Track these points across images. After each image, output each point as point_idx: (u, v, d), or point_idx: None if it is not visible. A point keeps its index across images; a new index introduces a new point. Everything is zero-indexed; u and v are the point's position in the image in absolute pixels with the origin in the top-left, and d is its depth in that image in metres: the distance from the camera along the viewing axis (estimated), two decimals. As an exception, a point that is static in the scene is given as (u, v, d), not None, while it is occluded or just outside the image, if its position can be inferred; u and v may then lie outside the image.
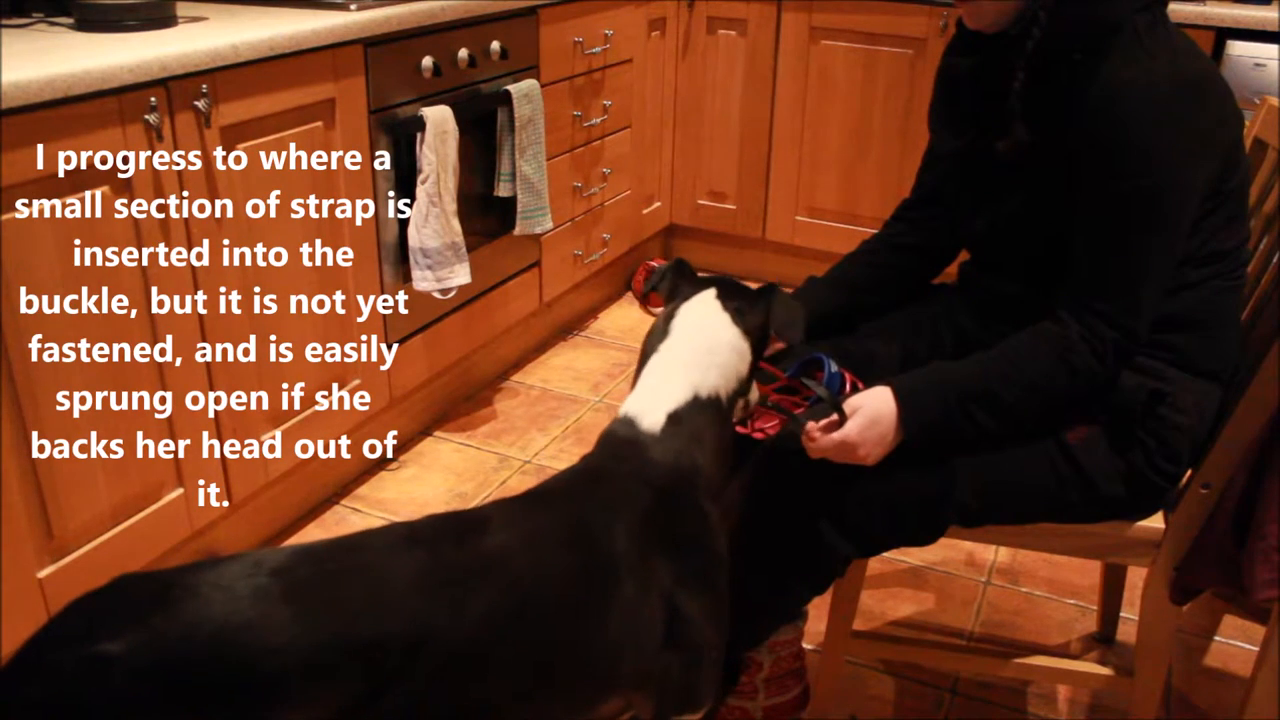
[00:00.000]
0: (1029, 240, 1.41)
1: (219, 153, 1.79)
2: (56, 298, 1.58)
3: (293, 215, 1.97)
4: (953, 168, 1.52)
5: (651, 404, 1.26)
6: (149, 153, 1.67)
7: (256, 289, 1.92)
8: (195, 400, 1.84)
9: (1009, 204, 1.41)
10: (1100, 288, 1.31)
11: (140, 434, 1.75)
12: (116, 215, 1.64)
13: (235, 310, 1.89)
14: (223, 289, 1.85)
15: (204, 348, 1.84)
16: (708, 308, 1.31)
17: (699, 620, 1.21)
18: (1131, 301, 1.30)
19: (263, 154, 1.88)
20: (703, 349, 1.28)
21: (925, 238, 1.62)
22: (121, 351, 1.69)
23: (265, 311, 1.96)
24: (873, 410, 1.32)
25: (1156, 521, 1.43)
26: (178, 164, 1.72)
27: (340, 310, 2.14)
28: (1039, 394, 1.32)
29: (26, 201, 1.51)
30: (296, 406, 2.08)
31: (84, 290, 1.61)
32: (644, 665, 1.19)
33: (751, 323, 1.31)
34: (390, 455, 2.48)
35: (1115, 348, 1.30)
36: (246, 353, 1.93)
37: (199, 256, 1.79)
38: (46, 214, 1.54)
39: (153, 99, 1.65)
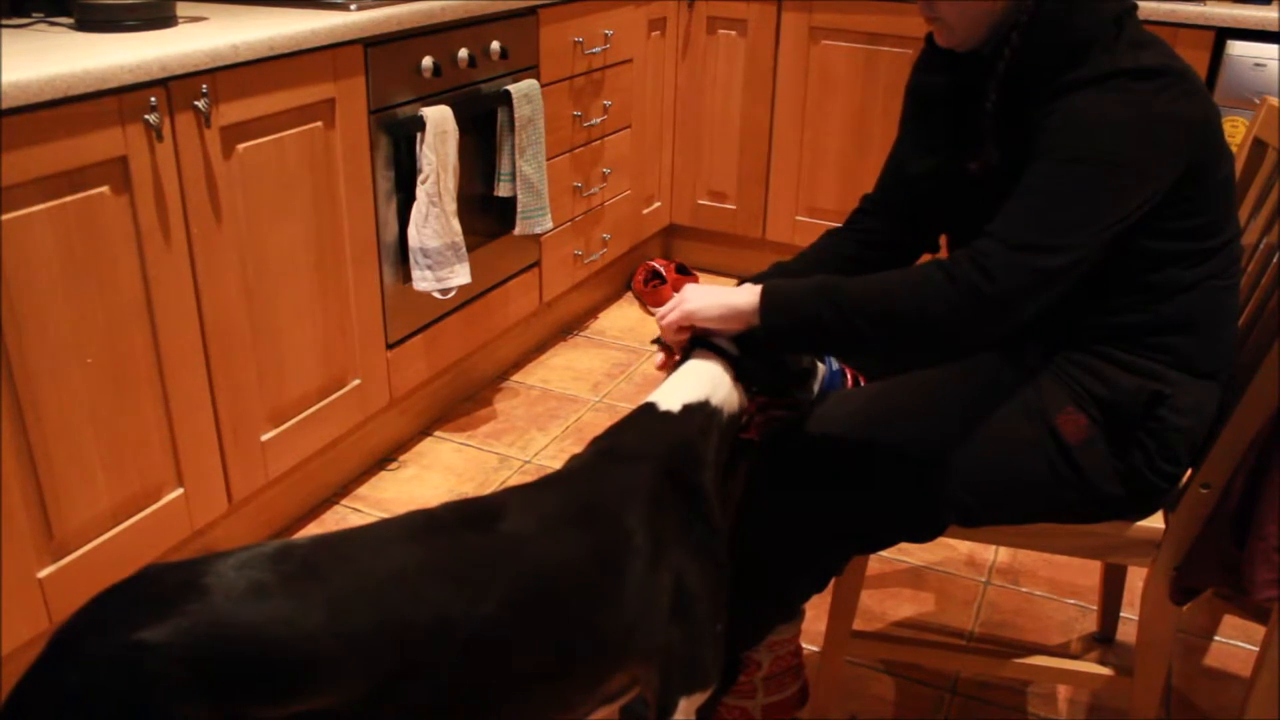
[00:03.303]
0: None
1: (219, 153, 1.79)
2: (56, 298, 1.58)
3: (292, 215, 1.97)
4: (928, 188, 1.50)
5: (670, 396, 1.36)
6: (149, 153, 1.67)
7: (256, 289, 1.93)
8: (195, 400, 1.84)
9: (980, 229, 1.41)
10: (998, 221, 1.25)
11: (140, 434, 1.76)
12: (116, 215, 1.65)
13: (235, 310, 1.89)
14: (223, 289, 1.85)
15: (204, 348, 1.84)
16: (714, 360, 1.41)
17: (702, 595, 1.25)
18: (1033, 230, 1.22)
19: (263, 154, 1.88)
20: (716, 374, 1.39)
21: (889, 235, 1.60)
22: (121, 351, 1.69)
23: (265, 311, 1.96)
24: (724, 290, 1.36)
25: (1156, 521, 1.44)
26: (178, 164, 1.72)
27: (340, 310, 2.14)
28: (911, 296, 1.24)
29: (27, 201, 1.52)
30: (296, 406, 2.09)
31: (84, 290, 1.61)
32: (653, 639, 1.21)
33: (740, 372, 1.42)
34: (390, 455, 2.48)
35: (1008, 266, 1.21)
36: (246, 353, 1.93)
37: (199, 256, 1.80)
38: (46, 214, 1.54)
39: (153, 99, 1.65)
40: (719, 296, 1.36)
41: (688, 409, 1.34)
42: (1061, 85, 1.27)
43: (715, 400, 1.36)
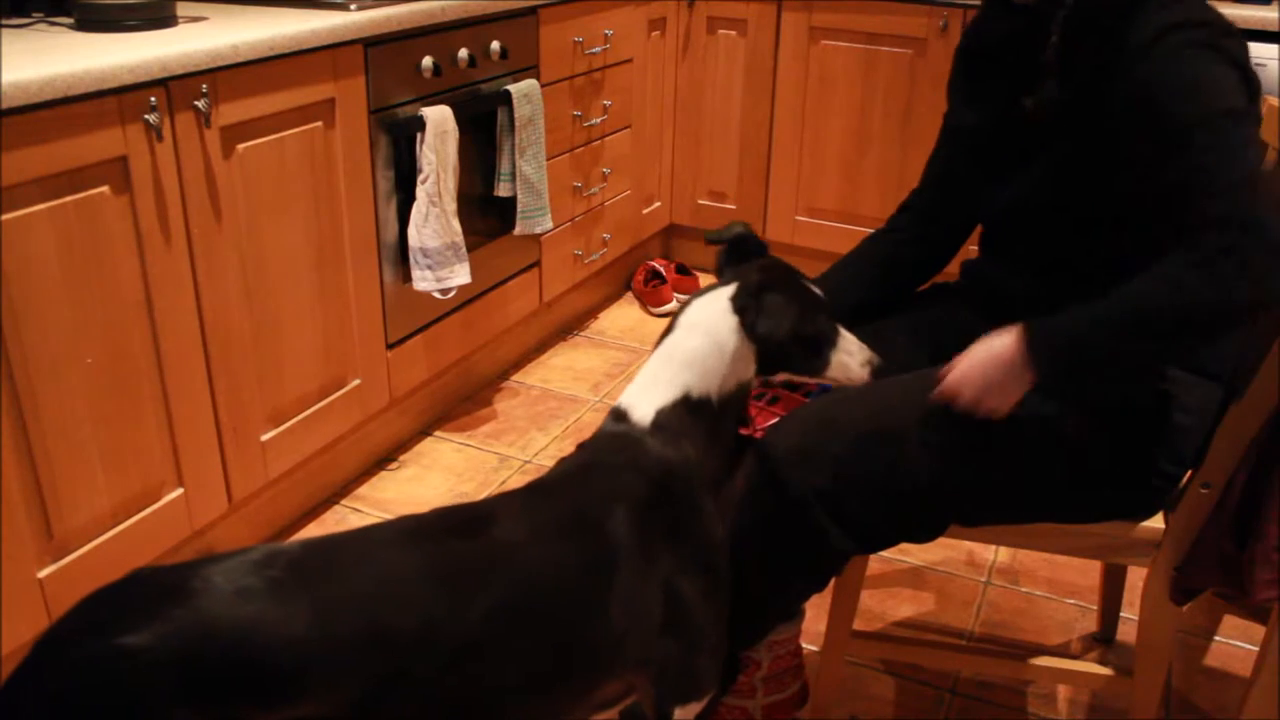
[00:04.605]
0: (1051, 213, 1.38)
1: (219, 153, 1.79)
2: (56, 298, 1.58)
3: (292, 215, 1.97)
4: (974, 143, 1.51)
5: (643, 398, 1.29)
6: (149, 153, 1.67)
7: (256, 289, 1.93)
8: (195, 400, 1.84)
9: (1034, 173, 1.39)
10: (1196, 210, 1.19)
11: (140, 434, 1.76)
12: (116, 215, 1.64)
13: (235, 310, 1.89)
14: (223, 289, 1.85)
15: (204, 348, 1.84)
16: (717, 309, 1.29)
17: (697, 604, 1.23)
18: (1232, 200, 1.18)
19: (263, 154, 1.88)
20: (701, 352, 1.28)
21: (930, 229, 1.62)
22: (121, 351, 1.69)
23: (265, 311, 1.96)
24: (979, 349, 1.25)
25: (1156, 521, 1.43)
26: (178, 164, 1.72)
27: (340, 310, 2.14)
28: (1181, 306, 1.18)
29: (27, 201, 1.51)
30: (296, 406, 2.09)
31: (84, 290, 1.61)
32: (645, 650, 1.20)
33: (764, 328, 1.26)
34: (390, 455, 2.48)
35: (1238, 244, 1.16)
36: (246, 353, 1.93)
37: (199, 256, 1.79)
38: (46, 214, 1.54)
39: (153, 99, 1.65)
40: (1003, 398, 1.26)
41: (661, 414, 1.26)
42: (1140, 32, 1.26)
43: (698, 391, 1.26)
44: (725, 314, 1.28)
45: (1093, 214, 1.36)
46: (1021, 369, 1.25)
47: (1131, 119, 1.27)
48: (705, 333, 1.28)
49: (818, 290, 1.33)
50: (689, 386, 1.27)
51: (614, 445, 1.27)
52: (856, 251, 1.66)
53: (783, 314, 1.25)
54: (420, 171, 2.19)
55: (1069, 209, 1.36)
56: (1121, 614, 1.95)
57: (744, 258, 1.36)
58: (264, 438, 2.02)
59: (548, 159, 2.63)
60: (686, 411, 1.27)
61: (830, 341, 1.33)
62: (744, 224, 1.37)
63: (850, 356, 1.35)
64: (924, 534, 1.43)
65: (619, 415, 1.29)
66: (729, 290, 1.29)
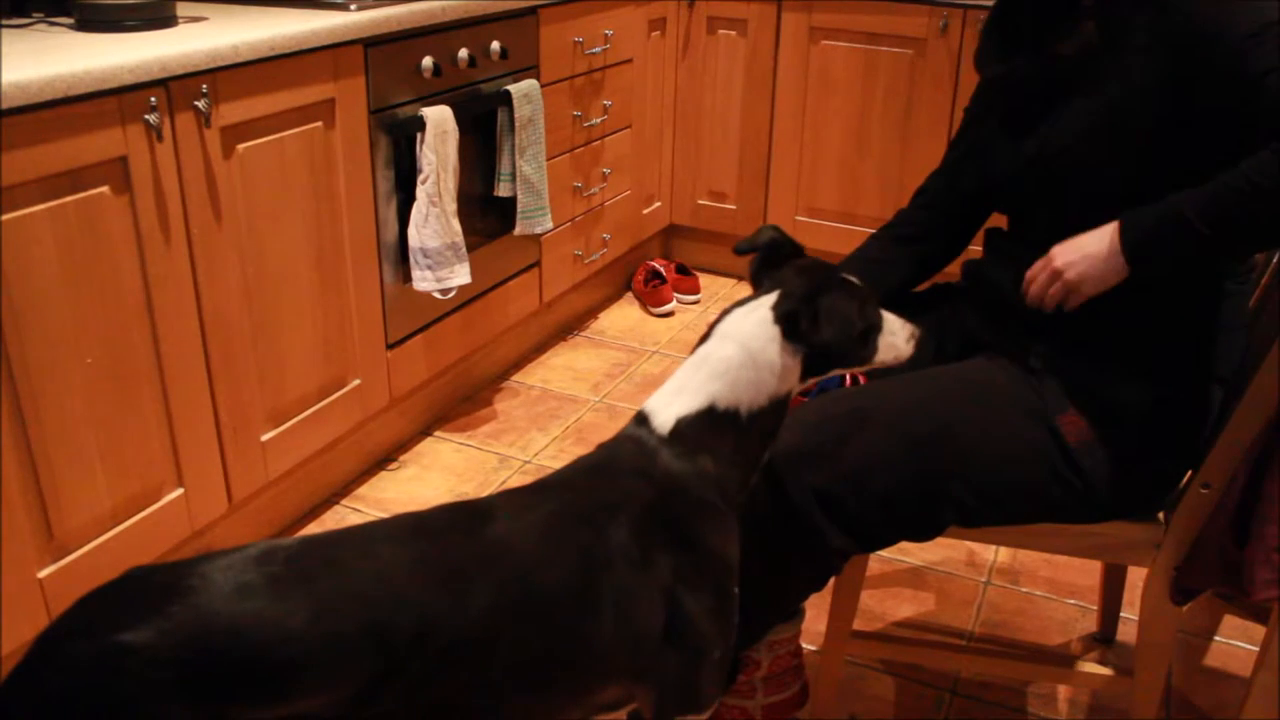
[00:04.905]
0: (1081, 164, 1.37)
1: (219, 153, 1.79)
2: (56, 298, 1.58)
3: (292, 215, 1.97)
4: (1001, 94, 1.49)
5: (666, 405, 1.25)
6: (149, 153, 1.67)
7: (256, 289, 1.93)
8: (195, 400, 1.84)
9: (1063, 122, 1.38)
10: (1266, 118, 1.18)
11: (140, 434, 1.76)
12: (116, 215, 1.65)
13: (235, 310, 1.89)
14: (223, 289, 1.85)
15: (204, 348, 1.84)
16: (755, 319, 1.23)
17: (700, 617, 1.22)
18: None
19: (263, 154, 1.88)
20: (734, 363, 1.22)
21: (940, 220, 1.61)
22: (121, 351, 1.69)
23: (265, 311, 1.96)
24: (1083, 236, 1.29)
25: (1156, 521, 1.44)
26: (178, 164, 1.72)
27: (340, 310, 2.14)
28: (1268, 190, 1.17)
29: (27, 201, 1.51)
30: (296, 406, 2.09)
31: (84, 290, 1.61)
32: (642, 658, 1.19)
33: (829, 335, 1.20)
34: (390, 455, 2.48)
35: None
36: (246, 353, 1.93)
37: (199, 256, 1.80)
38: (46, 214, 1.54)
39: (153, 99, 1.65)
40: (1095, 265, 1.29)
41: (681, 423, 1.23)
42: None
43: (725, 403, 1.22)
44: (764, 324, 1.22)
45: (1116, 165, 1.34)
46: (1114, 245, 1.27)
47: (1181, 53, 1.25)
48: (739, 343, 1.23)
49: (857, 280, 1.30)
50: (715, 397, 1.22)
51: (628, 449, 1.25)
52: (861, 254, 1.65)
53: (844, 316, 1.22)
54: (420, 171, 2.19)
55: (1093, 156, 1.34)
56: (1121, 614, 1.95)
57: (779, 263, 1.31)
58: (264, 438, 2.02)
59: (548, 159, 2.63)
60: (709, 423, 1.22)
61: (878, 328, 1.29)
62: (775, 228, 1.31)
63: (895, 336, 1.30)
64: (923, 534, 1.43)
65: (641, 419, 1.26)
66: (769, 299, 1.24)
